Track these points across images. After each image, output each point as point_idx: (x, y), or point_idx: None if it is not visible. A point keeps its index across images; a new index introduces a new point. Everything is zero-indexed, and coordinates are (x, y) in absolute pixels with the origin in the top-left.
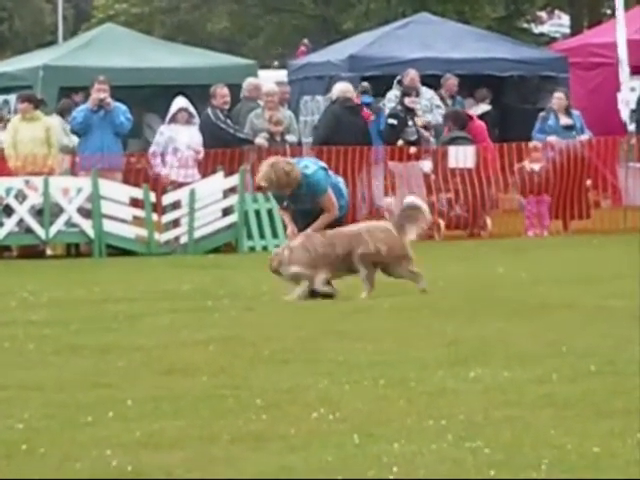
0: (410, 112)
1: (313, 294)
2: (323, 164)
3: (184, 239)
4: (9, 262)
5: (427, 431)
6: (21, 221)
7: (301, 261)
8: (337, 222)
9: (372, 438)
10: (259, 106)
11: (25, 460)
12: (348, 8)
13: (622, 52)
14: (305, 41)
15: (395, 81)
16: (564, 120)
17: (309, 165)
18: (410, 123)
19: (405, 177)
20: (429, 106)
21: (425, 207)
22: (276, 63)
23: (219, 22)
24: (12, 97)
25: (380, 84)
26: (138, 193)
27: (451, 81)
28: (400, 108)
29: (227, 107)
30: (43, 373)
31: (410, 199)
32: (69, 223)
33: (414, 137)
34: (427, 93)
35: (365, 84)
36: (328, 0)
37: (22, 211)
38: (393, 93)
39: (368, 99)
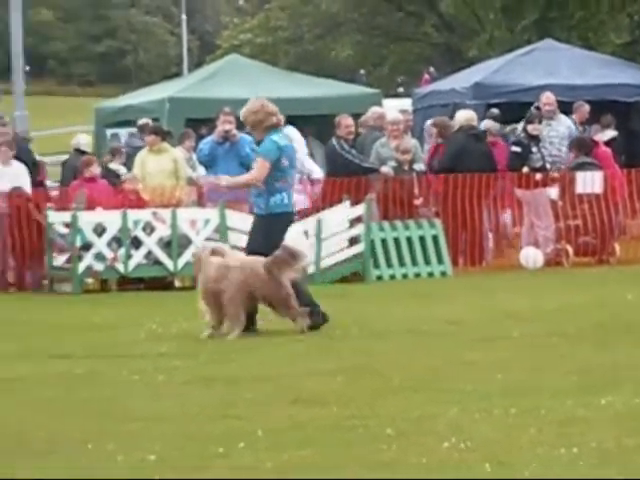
0: (534, 139)
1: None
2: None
3: (311, 269)
4: (138, 294)
5: (559, 459)
6: (149, 253)
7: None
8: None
9: (503, 467)
10: (383, 135)
11: None
12: (472, 36)
13: None
14: (430, 69)
15: (532, 108)
16: None
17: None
18: (534, 150)
19: (532, 204)
20: (566, 134)
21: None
22: (401, 89)
23: (343, 51)
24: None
25: (505, 111)
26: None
27: (584, 108)
28: (524, 135)
29: (352, 137)
30: (173, 405)
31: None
32: None
33: (539, 164)
34: (566, 121)
35: (494, 111)
36: (452, 28)
37: (150, 243)
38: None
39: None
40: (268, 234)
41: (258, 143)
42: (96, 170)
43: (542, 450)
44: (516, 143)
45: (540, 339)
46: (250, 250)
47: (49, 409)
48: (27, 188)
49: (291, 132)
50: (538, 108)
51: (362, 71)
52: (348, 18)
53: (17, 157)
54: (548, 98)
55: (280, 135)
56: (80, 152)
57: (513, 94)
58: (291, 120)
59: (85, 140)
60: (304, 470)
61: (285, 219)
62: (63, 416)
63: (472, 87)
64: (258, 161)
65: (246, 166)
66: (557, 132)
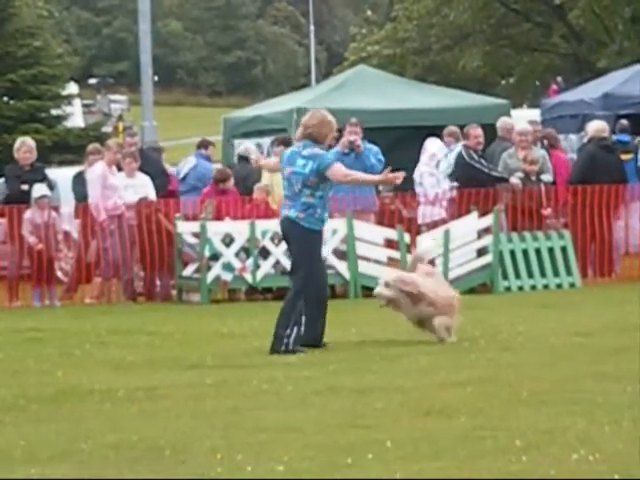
0: None
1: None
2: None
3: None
4: (266, 304)
5: None
6: (277, 263)
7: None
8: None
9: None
10: (511, 146)
11: None
12: (601, 46)
13: None
14: (558, 79)
15: None
16: None
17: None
18: None
19: None
20: None
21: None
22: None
23: (471, 62)
24: (265, 140)
25: (634, 122)
26: (392, 234)
27: None
28: None
29: (481, 147)
30: (302, 414)
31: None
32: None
33: None
34: None
35: (624, 122)
36: (581, 39)
37: (278, 253)
38: None
39: (626, 138)
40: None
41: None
42: (230, 184)
43: None
44: None
45: None
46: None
47: (179, 419)
48: (152, 198)
49: (432, 143)
50: None
51: (559, 78)
52: (476, 29)
53: (142, 169)
54: None
55: (294, 146)
56: (246, 160)
57: None
58: (418, 130)
59: (253, 147)
60: None
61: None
62: (192, 426)
63: (601, 98)
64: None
65: None
66: None
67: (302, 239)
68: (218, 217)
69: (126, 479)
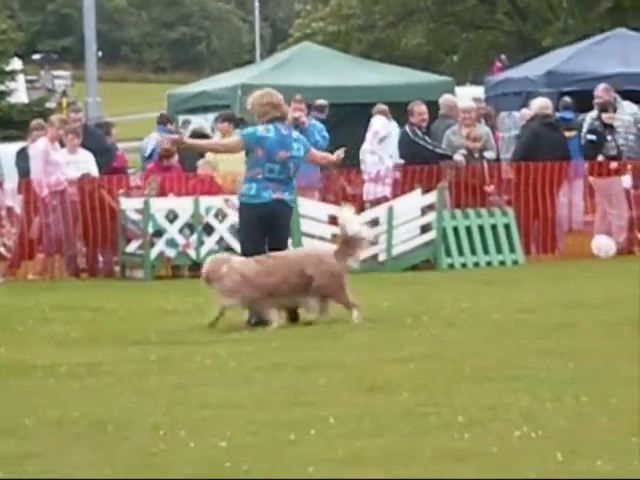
0: (608, 128)
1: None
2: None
3: (382, 256)
4: None
5: (631, 448)
6: (221, 239)
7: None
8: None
9: (576, 456)
10: (455, 123)
11: (229, 478)
12: (545, 24)
13: None
14: (502, 57)
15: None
16: None
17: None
18: (609, 138)
19: (605, 193)
20: (632, 121)
21: (367, 235)
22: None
23: (415, 39)
24: (209, 117)
25: (578, 100)
26: (336, 211)
27: None
28: (598, 124)
29: (425, 124)
30: (245, 391)
31: (355, 228)
32: None
33: (614, 152)
34: (630, 108)
35: (567, 99)
36: (525, 16)
37: (222, 229)
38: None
39: (569, 115)
40: (239, 221)
41: None
42: (175, 160)
43: (614, 438)
44: (591, 131)
45: (613, 327)
46: None
47: (122, 395)
48: (95, 175)
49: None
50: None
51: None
52: (420, 6)
53: (85, 145)
54: (602, 91)
55: (272, 128)
56: (199, 136)
57: (586, 82)
58: (363, 107)
59: (208, 124)
60: (375, 458)
61: (246, 210)
62: (136, 402)
63: (545, 75)
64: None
65: None
66: (622, 121)
67: (290, 221)
68: (162, 193)
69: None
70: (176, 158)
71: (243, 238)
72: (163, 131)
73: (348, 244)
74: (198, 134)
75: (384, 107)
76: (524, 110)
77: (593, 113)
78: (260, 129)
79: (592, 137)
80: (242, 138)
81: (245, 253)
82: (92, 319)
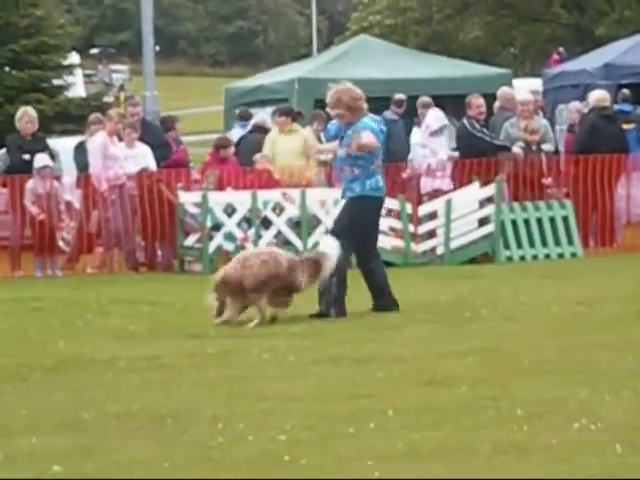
0: None
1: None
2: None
3: (440, 250)
4: None
5: None
6: (279, 233)
7: None
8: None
9: (634, 448)
10: (513, 115)
11: (287, 471)
12: (602, 16)
13: None
14: (560, 49)
15: None
16: None
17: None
18: None
19: None
20: None
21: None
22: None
23: (472, 32)
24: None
25: (636, 92)
26: (394, 204)
27: None
28: None
29: (483, 117)
30: (304, 384)
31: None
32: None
33: None
34: None
35: (626, 91)
36: (582, 8)
37: (280, 223)
38: None
39: (627, 107)
40: (359, 217)
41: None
42: (231, 151)
43: None
44: None
45: None
46: (334, 232)
47: (181, 388)
48: (153, 169)
49: (430, 114)
50: None
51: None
52: None
53: (143, 139)
54: None
55: (373, 119)
56: (263, 130)
57: None
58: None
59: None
60: (435, 451)
61: (378, 203)
62: (194, 395)
63: (602, 67)
64: (364, 133)
65: None
66: None
67: None
68: (220, 187)
69: None
70: (232, 149)
71: (370, 232)
72: (243, 127)
73: (314, 265)
74: (260, 128)
75: (427, 99)
76: (572, 104)
77: None
78: (371, 122)
79: None
80: (373, 133)
81: (369, 247)
82: (151, 313)
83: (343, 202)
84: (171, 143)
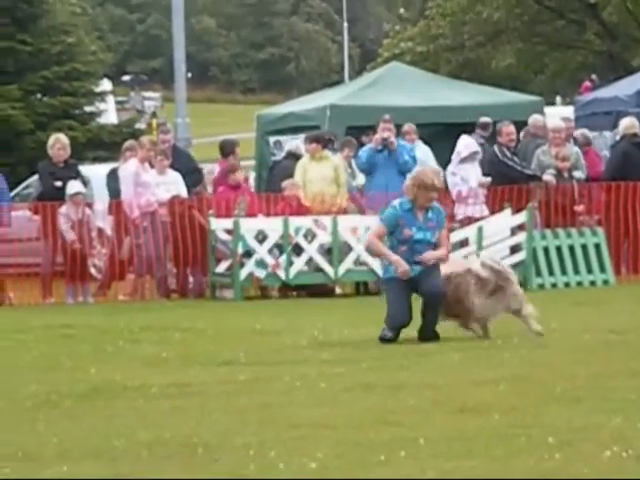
0: None
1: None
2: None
3: None
4: (299, 301)
5: None
6: (310, 260)
7: None
8: None
9: None
10: (544, 142)
11: None
12: (634, 43)
13: None
14: (593, 77)
15: None
16: None
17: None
18: None
19: None
20: None
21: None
22: (558, 99)
23: (504, 59)
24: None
25: None
26: None
27: None
28: None
29: (513, 144)
30: (335, 411)
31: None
32: (358, 262)
33: None
34: None
35: None
36: (614, 36)
37: (311, 250)
38: None
39: None
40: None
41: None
42: (240, 177)
43: None
44: None
45: None
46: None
47: (212, 416)
48: (184, 195)
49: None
50: None
51: (594, 76)
52: (509, 26)
53: (174, 165)
54: None
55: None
56: (295, 157)
57: None
58: (451, 127)
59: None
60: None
61: None
62: (225, 423)
63: (635, 95)
64: (446, 236)
65: (404, 173)
66: None
67: None
68: (251, 214)
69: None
70: (241, 174)
71: None
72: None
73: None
74: (294, 155)
75: (410, 127)
76: (616, 130)
77: None
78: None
79: None
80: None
81: None
82: (182, 340)
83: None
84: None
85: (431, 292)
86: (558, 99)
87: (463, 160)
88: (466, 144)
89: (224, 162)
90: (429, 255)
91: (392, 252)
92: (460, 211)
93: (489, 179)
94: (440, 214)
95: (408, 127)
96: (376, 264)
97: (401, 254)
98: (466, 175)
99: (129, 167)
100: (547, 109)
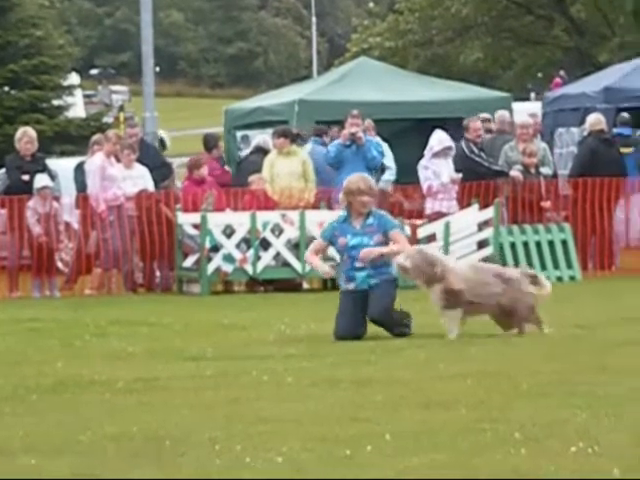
0: None
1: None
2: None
3: None
4: (266, 295)
5: None
6: (278, 255)
7: None
8: None
9: (632, 472)
10: (512, 138)
11: None
12: (602, 40)
13: None
14: (562, 73)
15: None
16: None
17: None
18: None
19: None
20: None
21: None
22: (533, 95)
23: (472, 54)
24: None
25: (635, 116)
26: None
27: None
28: None
29: (480, 140)
30: (301, 406)
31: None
32: (325, 257)
33: None
34: None
35: (625, 115)
36: (582, 32)
37: (279, 245)
38: None
39: (627, 131)
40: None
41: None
42: (205, 172)
43: None
44: None
45: None
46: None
47: (178, 410)
48: (151, 190)
49: (434, 135)
50: None
51: (562, 72)
52: (478, 21)
53: (141, 160)
54: None
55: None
56: (263, 151)
57: None
58: (419, 123)
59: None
60: (432, 475)
61: None
62: (192, 417)
63: (602, 91)
64: (402, 235)
65: (372, 169)
66: None
67: None
68: (218, 208)
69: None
70: (206, 170)
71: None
72: (319, 143)
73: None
74: (261, 149)
75: (369, 123)
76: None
77: None
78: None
79: None
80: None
81: None
82: (149, 334)
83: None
84: (216, 162)
85: (372, 318)
86: (532, 95)
87: (436, 154)
88: (439, 139)
89: (208, 156)
90: (365, 252)
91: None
92: (429, 206)
93: (460, 175)
94: (382, 217)
95: (367, 123)
96: None
97: (344, 263)
98: (438, 170)
99: (95, 161)
100: (515, 105)
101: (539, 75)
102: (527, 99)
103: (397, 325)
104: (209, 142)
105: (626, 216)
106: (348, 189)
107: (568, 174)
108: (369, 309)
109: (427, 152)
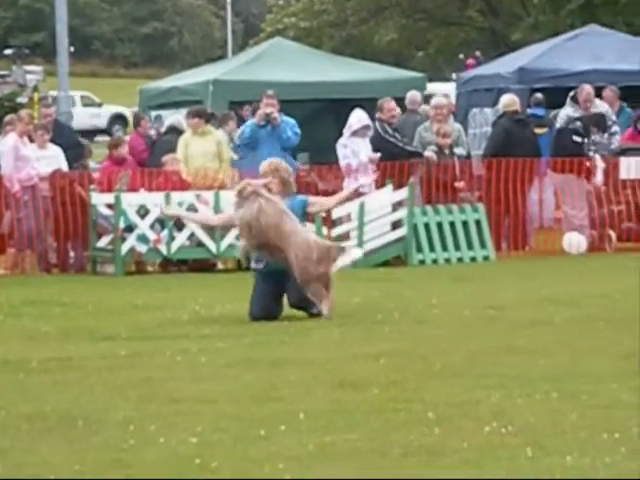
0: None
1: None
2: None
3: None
4: (180, 276)
5: (600, 444)
6: (192, 235)
7: None
8: None
9: (545, 451)
10: (422, 118)
11: (198, 474)
12: (517, 21)
13: None
14: (477, 53)
15: (569, 97)
16: None
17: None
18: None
19: (568, 190)
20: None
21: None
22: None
23: (387, 35)
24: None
25: (549, 96)
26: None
27: (607, 92)
28: (580, 124)
29: (395, 120)
30: (216, 386)
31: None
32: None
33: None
34: (601, 107)
35: (539, 96)
36: (497, 13)
37: (193, 225)
38: (565, 112)
39: (541, 111)
40: None
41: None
42: (125, 151)
43: (584, 435)
44: (575, 133)
45: (584, 324)
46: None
47: (92, 390)
48: (64, 170)
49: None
50: (574, 98)
51: (478, 52)
52: (392, 2)
53: (55, 140)
54: (588, 96)
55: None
56: (177, 131)
57: (558, 79)
58: (334, 103)
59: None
60: (346, 454)
61: None
62: (106, 397)
63: (516, 72)
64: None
65: (287, 149)
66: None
67: None
68: (132, 188)
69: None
70: (126, 149)
71: None
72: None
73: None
74: (175, 129)
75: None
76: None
77: (567, 110)
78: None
79: (578, 139)
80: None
81: None
82: (63, 314)
83: None
84: (141, 137)
85: (292, 304)
86: (454, 76)
87: (354, 133)
88: (359, 117)
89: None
90: None
91: None
92: (347, 185)
93: (379, 155)
94: (294, 200)
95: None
96: None
97: None
98: (357, 149)
99: (8, 141)
100: (429, 85)
101: (460, 56)
102: (449, 80)
103: (314, 305)
104: (134, 119)
105: (540, 196)
106: (262, 171)
107: (482, 154)
108: (287, 296)
109: (346, 130)
